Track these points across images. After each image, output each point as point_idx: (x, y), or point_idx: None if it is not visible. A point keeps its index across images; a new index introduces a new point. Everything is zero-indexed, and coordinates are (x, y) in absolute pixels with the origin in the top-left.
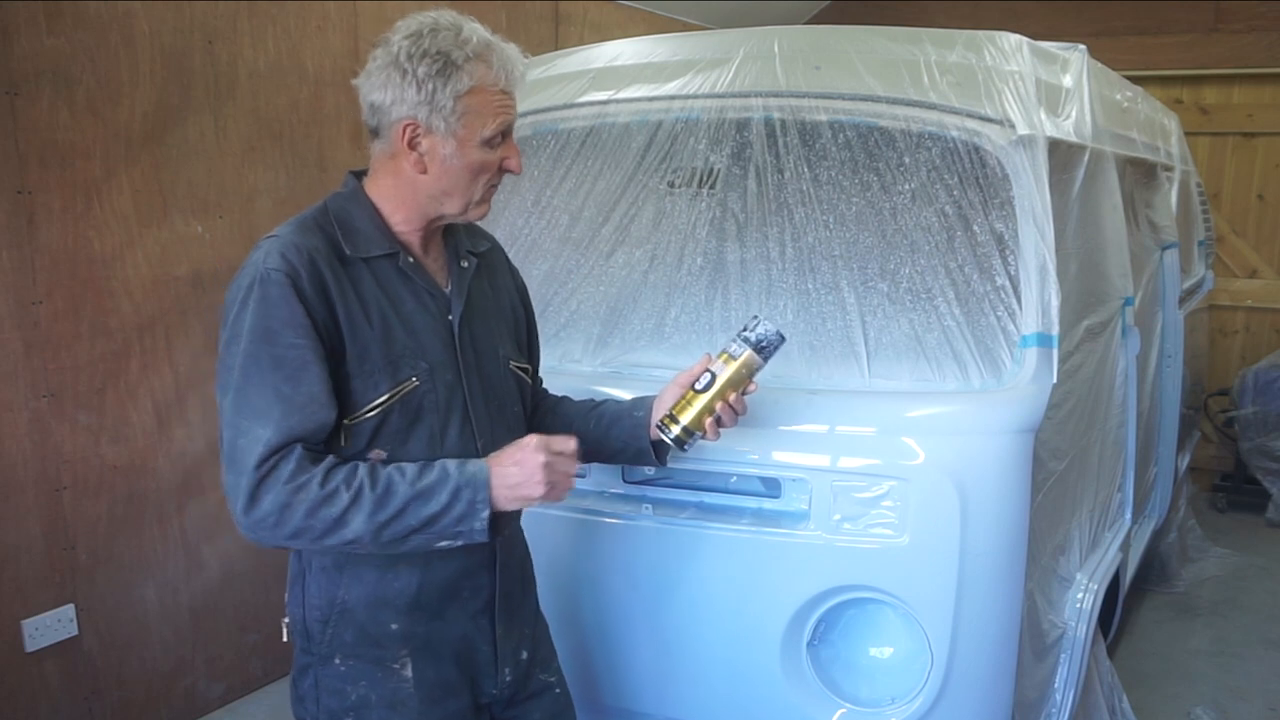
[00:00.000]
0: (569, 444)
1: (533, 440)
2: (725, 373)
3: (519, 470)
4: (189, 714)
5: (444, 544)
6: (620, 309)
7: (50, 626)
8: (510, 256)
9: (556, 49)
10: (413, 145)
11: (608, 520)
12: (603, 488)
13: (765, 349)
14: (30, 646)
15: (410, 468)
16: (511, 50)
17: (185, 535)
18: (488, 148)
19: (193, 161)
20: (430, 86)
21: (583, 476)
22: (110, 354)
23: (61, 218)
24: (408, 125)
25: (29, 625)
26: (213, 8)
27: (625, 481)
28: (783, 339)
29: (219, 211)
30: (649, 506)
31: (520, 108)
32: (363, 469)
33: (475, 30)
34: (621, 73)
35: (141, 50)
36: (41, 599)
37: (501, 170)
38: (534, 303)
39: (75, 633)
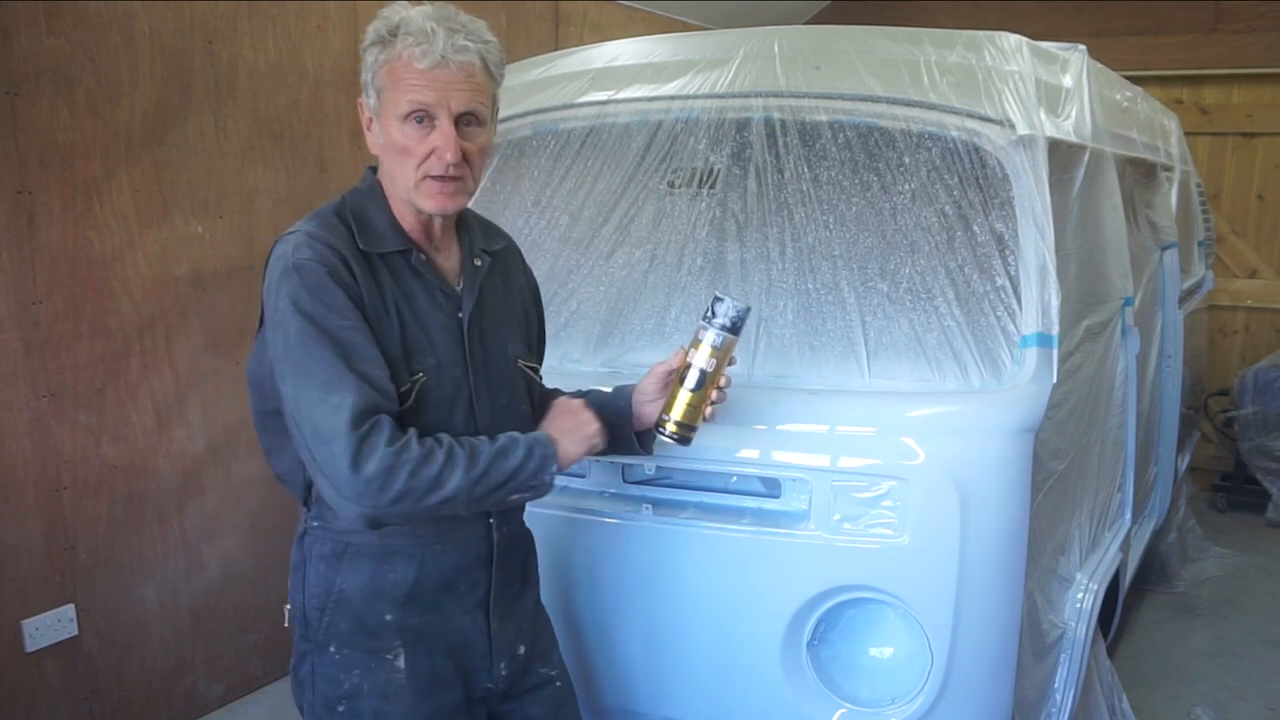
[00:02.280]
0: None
1: (562, 398)
2: (712, 366)
3: (569, 420)
4: (189, 714)
5: (516, 498)
6: (620, 309)
7: (50, 626)
8: None
9: (556, 49)
10: (369, 125)
11: (608, 520)
12: (603, 488)
13: (740, 328)
14: (30, 646)
15: (481, 437)
16: (430, 28)
17: (185, 535)
18: (406, 126)
19: (193, 161)
20: (365, 62)
21: (582, 476)
22: (110, 354)
23: (61, 218)
24: (360, 103)
25: (29, 625)
26: (213, 8)
27: (625, 481)
28: (749, 309)
29: (219, 211)
30: (649, 506)
31: (520, 108)
32: (444, 437)
33: (411, 12)
34: (621, 73)
35: (141, 50)
36: (41, 599)
37: (438, 159)
38: None
39: (75, 633)
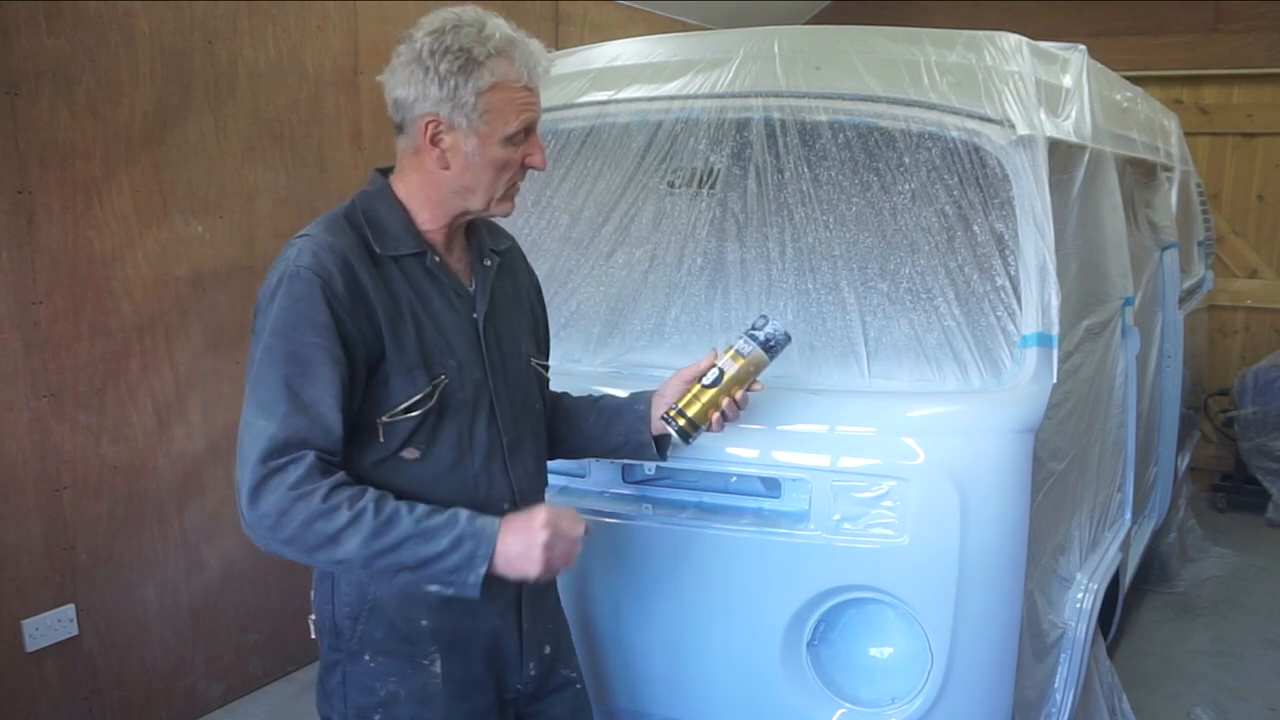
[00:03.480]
0: (577, 527)
1: (541, 515)
2: (732, 369)
3: (521, 543)
4: (189, 714)
5: (433, 588)
6: (620, 309)
7: (50, 626)
8: None
9: (556, 49)
10: (435, 142)
11: (608, 520)
12: (603, 488)
13: (773, 348)
14: (30, 646)
15: (421, 506)
16: (535, 46)
17: (185, 535)
18: (510, 144)
19: (193, 161)
20: (452, 83)
21: (582, 476)
22: (110, 354)
23: (61, 218)
24: (430, 121)
25: (29, 625)
26: (213, 8)
27: (626, 481)
28: (789, 339)
29: (219, 211)
30: (649, 506)
31: None
32: (371, 493)
33: (499, 26)
34: (621, 73)
35: (141, 50)
36: (41, 599)
37: (525, 167)
38: None
39: (75, 633)
